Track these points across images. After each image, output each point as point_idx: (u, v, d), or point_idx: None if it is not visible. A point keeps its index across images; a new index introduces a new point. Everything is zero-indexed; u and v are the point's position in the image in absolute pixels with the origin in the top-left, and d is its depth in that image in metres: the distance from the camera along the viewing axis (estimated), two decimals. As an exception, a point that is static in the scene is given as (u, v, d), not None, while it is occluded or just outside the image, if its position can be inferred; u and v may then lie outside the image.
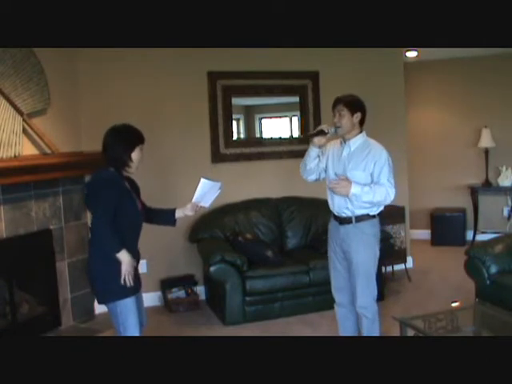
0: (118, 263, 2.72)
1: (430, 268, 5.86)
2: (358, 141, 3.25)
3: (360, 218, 3.23)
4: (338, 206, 3.27)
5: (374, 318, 3.30)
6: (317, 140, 3.20)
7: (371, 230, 3.28)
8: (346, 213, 3.25)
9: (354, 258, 3.24)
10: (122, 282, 2.71)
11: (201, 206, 3.08)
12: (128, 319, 2.76)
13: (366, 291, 3.27)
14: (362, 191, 3.11)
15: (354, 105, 3.23)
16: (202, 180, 2.98)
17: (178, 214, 3.08)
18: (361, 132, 3.27)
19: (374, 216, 3.28)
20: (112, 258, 2.71)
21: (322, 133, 3.17)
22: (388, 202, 3.21)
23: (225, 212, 4.95)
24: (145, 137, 2.88)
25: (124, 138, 2.81)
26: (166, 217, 3.11)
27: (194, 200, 3.03)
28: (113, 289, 2.75)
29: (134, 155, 2.81)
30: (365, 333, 3.32)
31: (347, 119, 3.19)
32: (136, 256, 2.87)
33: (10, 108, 3.67)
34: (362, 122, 3.26)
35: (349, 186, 3.10)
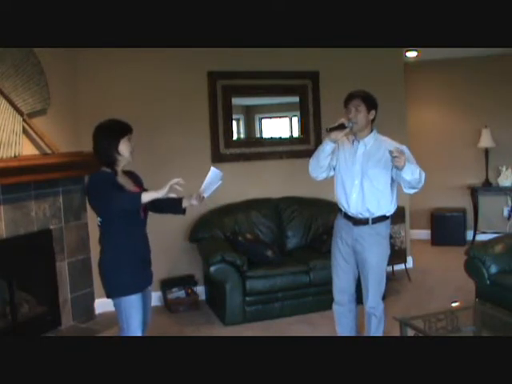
0: (127, 259, 2.74)
1: (430, 268, 5.86)
2: (371, 139, 3.19)
3: (377, 219, 3.18)
4: (356, 207, 3.18)
5: (381, 317, 3.33)
6: (334, 135, 3.07)
7: (386, 231, 3.25)
8: (363, 214, 3.18)
9: (369, 260, 3.21)
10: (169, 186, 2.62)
11: (203, 197, 2.98)
12: (131, 317, 2.75)
13: (377, 292, 3.28)
14: (412, 166, 2.94)
15: (371, 101, 3.16)
16: (213, 169, 2.93)
17: (185, 203, 2.99)
18: (372, 130, 3.20)
19: (387, 217, 3.24)
20: (122, 252, 2.73)
21: (341, 127, 3.05)
22: (423, 183, 3.04)
23: (225, 212, 4.95)
24: (132, 126, 2.78)
25: (107, 133, 2.74)
26: (173, 206, 3.03)
27: (201, 189, 2.92)
28: (119, 284, 2.75)
29: (122, 147, 2.73)
30: (372, 331, 3.33)
31: (363, 115, 3.11)
32: (144, 251, 2.87)
33: (10, 108, 3.68)
34: (373, 121, 3.20)
35: (404, 158, 2.87)
